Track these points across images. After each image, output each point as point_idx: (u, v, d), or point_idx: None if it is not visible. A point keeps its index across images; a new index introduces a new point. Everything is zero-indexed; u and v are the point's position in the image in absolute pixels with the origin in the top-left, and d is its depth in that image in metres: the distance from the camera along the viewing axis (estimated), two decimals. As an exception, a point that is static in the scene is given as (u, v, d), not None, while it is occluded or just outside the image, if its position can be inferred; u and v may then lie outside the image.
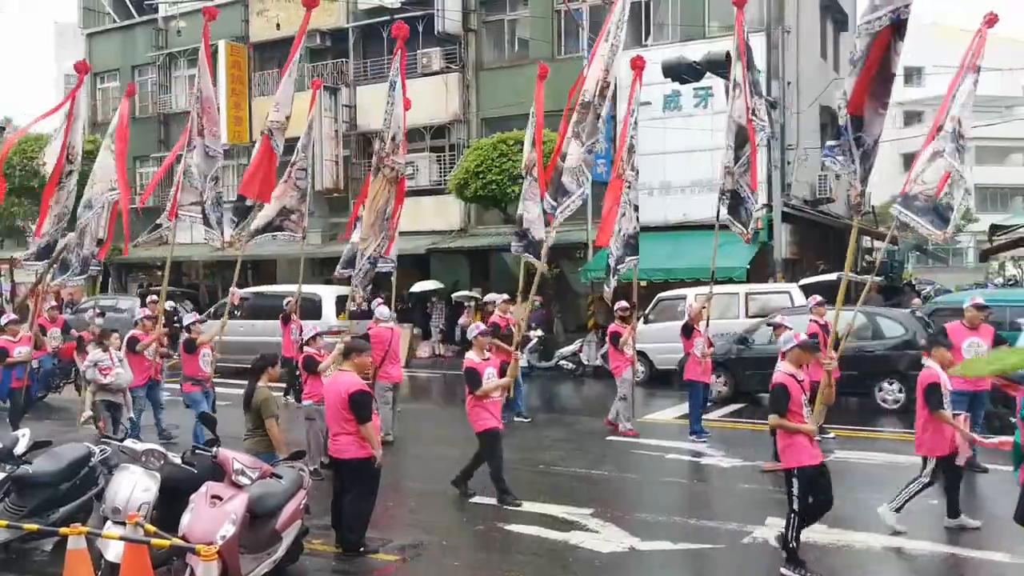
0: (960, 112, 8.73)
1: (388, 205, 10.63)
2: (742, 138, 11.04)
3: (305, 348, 9.72)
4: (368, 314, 12.89)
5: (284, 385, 13.36)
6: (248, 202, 11.70)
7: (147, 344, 10.93)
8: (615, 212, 11.88)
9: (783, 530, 6.63)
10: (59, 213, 11.18)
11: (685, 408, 13.40)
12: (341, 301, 15.32)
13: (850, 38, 29.11)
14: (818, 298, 11.68)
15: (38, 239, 11.42)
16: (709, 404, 12.94)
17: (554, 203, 9.93)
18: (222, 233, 11.11)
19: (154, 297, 14.74)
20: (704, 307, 11.63)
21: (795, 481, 6.49)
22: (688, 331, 11.56)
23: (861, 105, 6.96)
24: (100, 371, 10.20)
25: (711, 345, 11.77)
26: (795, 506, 6.48)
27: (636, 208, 12.32)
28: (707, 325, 11.61)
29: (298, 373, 10.30)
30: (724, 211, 11.18)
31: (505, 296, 13.76)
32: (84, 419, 8.39)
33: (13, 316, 12.01)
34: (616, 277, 12.19)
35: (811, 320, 11.15)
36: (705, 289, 16.47)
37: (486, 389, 8.44)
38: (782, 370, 6.75)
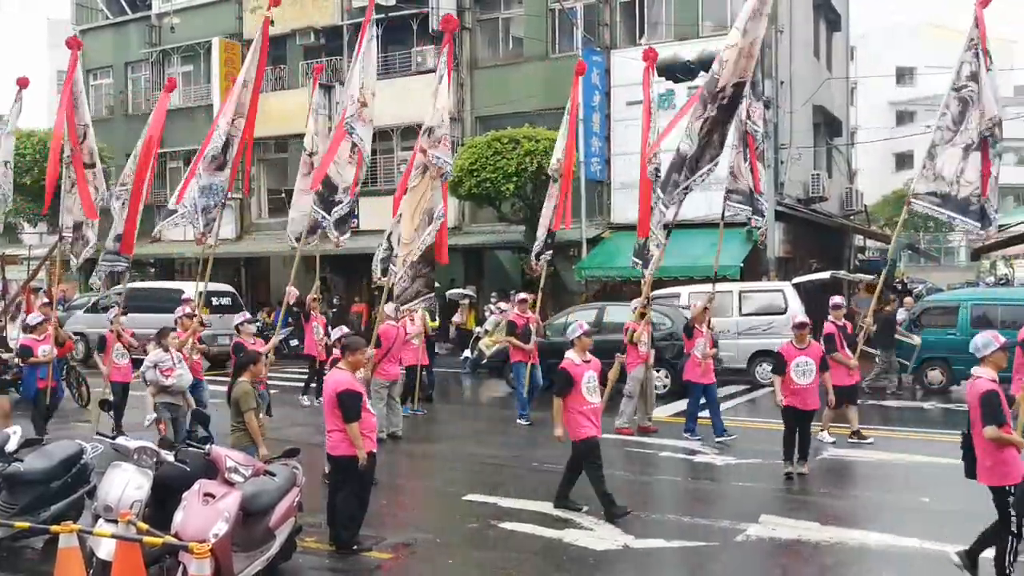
0: (986, 103, 8.78)
1: (437, 206, 10.19)
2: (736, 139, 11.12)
3: (336, 350, 9.06)
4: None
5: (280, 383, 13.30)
6: (338, 196, 11.36)
7: (183, 341, 10.45)
8: (648, 205, 11.42)
9: (999, 554, 5.93)
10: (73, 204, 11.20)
11: (678, 406, 13.43)
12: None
13: (843, 38, 29.22)
14: (838, 299, 11.52)
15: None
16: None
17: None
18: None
19: (189, 295, 14.80)
20: (707, 307, 11.53)
21: (1012, 499, 5.84)
22: (689, 331, 11.43)
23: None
24: (161, 372, 9.49)
25: (715, 345, 11.62)
26: (1013, 527, 5.86)
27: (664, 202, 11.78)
28: (709, 325, 11.50)
29: (325, 373, 9.82)
30: (736, 209, 11.27)
31: (523, 295, 13.41)
32: (148, 422, 8.13)
33: (41, 316, 11.51)
34: (651, 268, 11.35)
35: (829, 321, 10.98)
36: (699, 287, 16.50)
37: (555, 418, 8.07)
38: (984, 376, 5.97)
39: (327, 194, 11.38)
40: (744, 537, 7.34)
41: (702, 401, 11.25)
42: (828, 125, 26.42)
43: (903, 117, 56.53)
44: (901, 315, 15.85)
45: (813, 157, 24.73)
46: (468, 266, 24.16)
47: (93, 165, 11.43)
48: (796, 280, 17.75)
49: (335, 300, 24.28)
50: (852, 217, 28.77)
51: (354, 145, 10.79)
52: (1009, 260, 45.88)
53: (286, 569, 6.50)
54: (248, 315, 11.27)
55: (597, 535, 7.41)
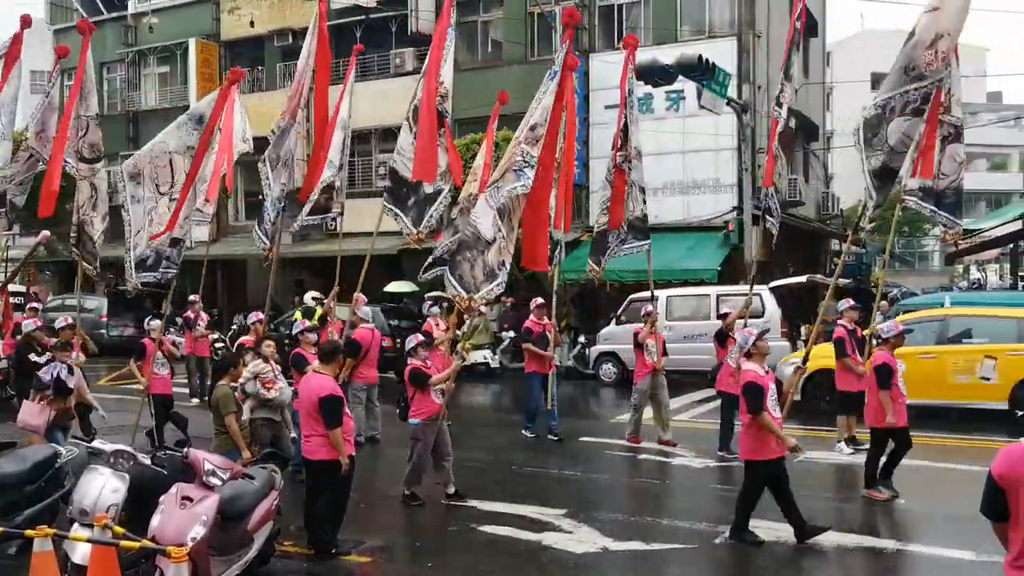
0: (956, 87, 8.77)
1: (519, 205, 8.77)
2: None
3: (409, 360, 8.64)
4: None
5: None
6: (428, 188, 10.52)
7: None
8: (621, 197, 11.29)
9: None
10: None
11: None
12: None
13: (819, 43, 29.52)
14: (850, 302, 11.10)
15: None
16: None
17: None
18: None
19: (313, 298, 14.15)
20: (742, 314, 10.85)
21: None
22: (722, 338, 10.60)
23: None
24: (263, 384, 8.37)
25: None
26: None
27: (643, 190, 11.59)
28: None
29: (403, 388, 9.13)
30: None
31: (540, 300, 12.37)
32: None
33: (68, 320, 10.71)
34: (608, 258, 11.37)
35: (839, 324, 10.65)
36: (676, 291, 16.47)
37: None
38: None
39: (397, 188, 10.55)
40: (722, 539, 7.37)
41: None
42: (805, 130, 26.68)
43: (877, 123, 57.01)
44: (878, 318, 15.97)
45: (790, 162, 24.95)
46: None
47: (95, 160, 10.62)
48: (774, 284, 17.90)
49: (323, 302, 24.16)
50: (828, 221, 29.06)
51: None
52: (982, 264, 46.58)
53: (264, 573, 6.46)
54: (307, 323, 10.39)
55: (576, 538, 7.42)
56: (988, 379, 12.21)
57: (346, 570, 6.81)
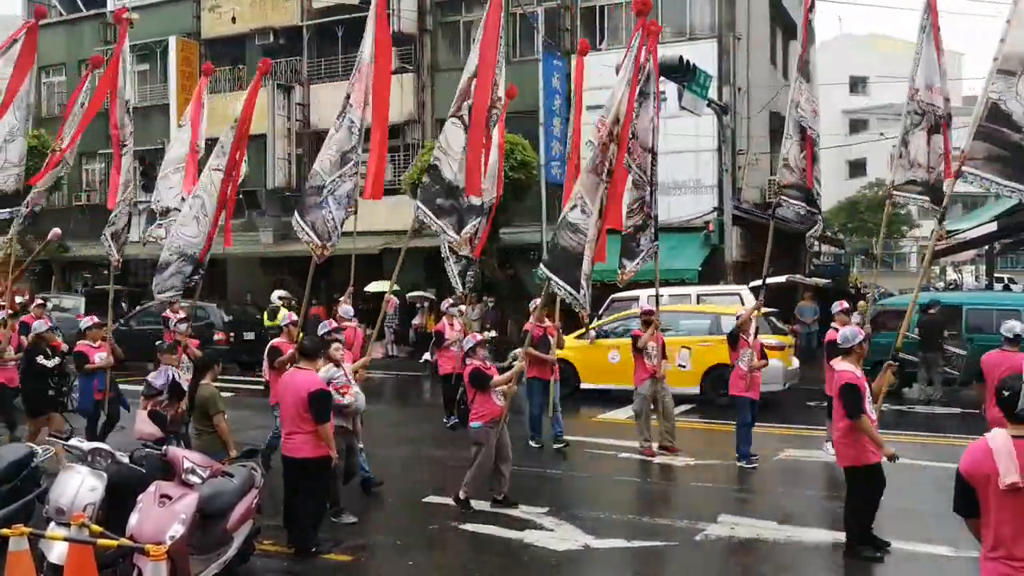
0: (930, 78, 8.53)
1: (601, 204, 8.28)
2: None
3: (468, 360, 8.29)
4: None
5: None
6: (477, 200, 9.93)
7: (286, 360, 8.82)
8: (620, 194, 10.05)
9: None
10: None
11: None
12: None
13: (798, 46, 29.75)
14: (845, 304, 10.83)
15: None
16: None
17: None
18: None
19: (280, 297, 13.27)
20: (754, 315, 10.21)
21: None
22: (734, 340, 10.02)
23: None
24: (336, 390, 7.76)
25: (763, 356, 10.15)
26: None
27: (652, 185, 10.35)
28: (756, 335, 10.19)
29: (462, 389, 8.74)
30: (793, 207, 10.19)
31: (538, 301, 11.02)
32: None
33: (96, 319, 10.25)
34: (641, 261, 10.36)
35: (833, 327, 9.99)
36: (660, 290, 16.48)
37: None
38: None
39: (433, 186, 9.51)
40: (703, 536, 7.41)
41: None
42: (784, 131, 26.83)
43: (856, 125, 57.76)
44: (855, 318, 16.08)
45: (770, 163, 25.10)
46: (428, 268, 24.07)
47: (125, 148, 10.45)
48: (753, 283, 18.00)
49: (293, 303, 24.05)
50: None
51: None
52: (958, 266, 47.11)
53: (243, 572, 6.41)
54: (332, 323, 9.72)
55: (558, 535, 7.42)
56: (684, 367, 13.88)
57: (326, 569, 6.77)
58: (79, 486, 5.69)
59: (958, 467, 3.72)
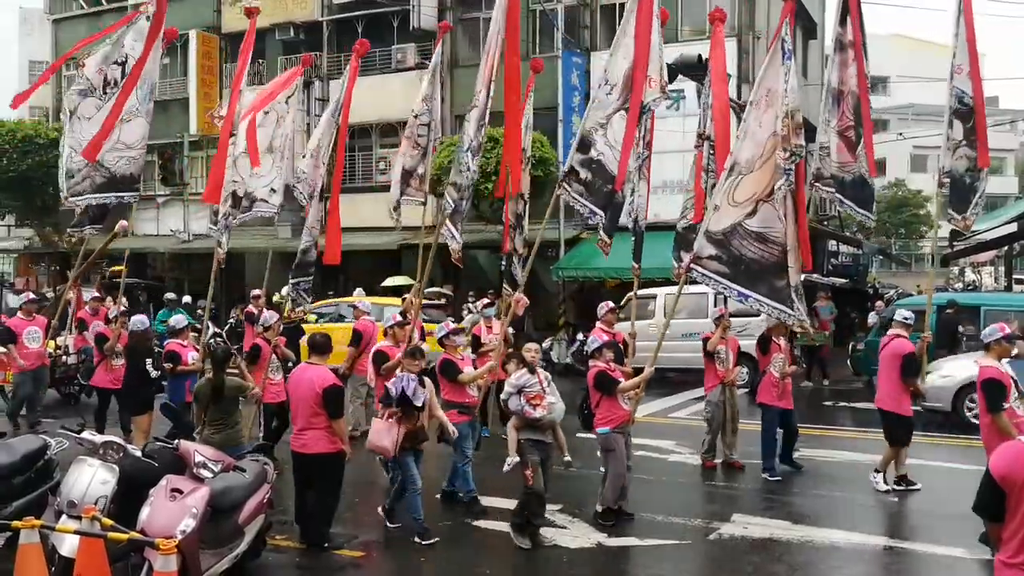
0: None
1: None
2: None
3: (592, 362, 7.93)
4: None
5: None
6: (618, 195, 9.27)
7: (392, 366, 8.27)
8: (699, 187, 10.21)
9: None
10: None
11: (653, 407, 13.49)
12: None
13: (819, 45, 29.49)
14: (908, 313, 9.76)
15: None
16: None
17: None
18: None
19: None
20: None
21: None
22: (765, 345, 9.47)
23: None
24: (527, 400, 7.11)
25: (794, 362, 9.57)
26: None
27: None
28: (789, 339, 9.72)
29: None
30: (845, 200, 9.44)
31: (610, 304, 10.46)
32: (508, 466, 7.20)
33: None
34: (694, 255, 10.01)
35: (891, 333, 9.29)
36: (675, 289, 16.33)
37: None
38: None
39: (596, 181, 9.02)
40: (717, 536, 7.36)
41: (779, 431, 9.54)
42: (804, 131, 26.62)
43: (876, 125, 57.07)
44: (872, 319, 15.96)
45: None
46: (446, 265, 24.05)
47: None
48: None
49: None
50: (826, 223, 29.01)
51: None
52: (977, 267, 46.60)
53: (255, 567, 6.42)
54: (453, 325, 9.48)
55: (571, 533, 7.39)
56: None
57: (339, 564, 6.77)
58: (91, 479, 5.71)
59: (988, 467, 3.58)
